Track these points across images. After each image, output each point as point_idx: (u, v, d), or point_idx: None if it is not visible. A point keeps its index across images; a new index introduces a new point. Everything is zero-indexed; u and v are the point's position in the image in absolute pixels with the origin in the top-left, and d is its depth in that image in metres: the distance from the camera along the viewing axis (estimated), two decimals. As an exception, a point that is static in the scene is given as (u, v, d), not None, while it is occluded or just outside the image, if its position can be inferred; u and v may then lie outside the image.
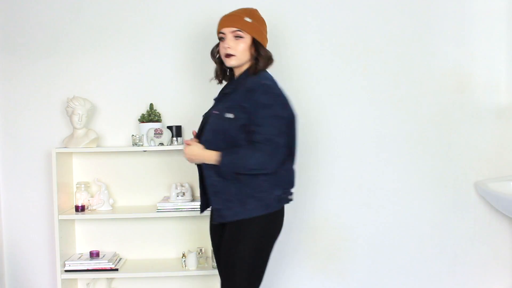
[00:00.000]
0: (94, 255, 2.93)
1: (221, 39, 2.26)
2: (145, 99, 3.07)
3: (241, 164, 2.11)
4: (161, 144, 2.88)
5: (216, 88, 2.46)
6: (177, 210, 2.87)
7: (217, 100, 2.36)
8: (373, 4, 3.05)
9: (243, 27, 2.22)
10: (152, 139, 2.87)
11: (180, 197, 2.91)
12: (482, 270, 3.11)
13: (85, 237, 3.08)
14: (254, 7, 2.99)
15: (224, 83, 2.41)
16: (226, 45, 2.22)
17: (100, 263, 2.87)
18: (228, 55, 2.23)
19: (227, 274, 2.23)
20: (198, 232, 3.02)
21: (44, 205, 3.08)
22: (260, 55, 2.24)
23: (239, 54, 2.22)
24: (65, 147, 2.92)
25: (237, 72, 2.30)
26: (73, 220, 3.04)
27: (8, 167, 3.10)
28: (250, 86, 2.17)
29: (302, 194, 3.07)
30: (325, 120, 3.07)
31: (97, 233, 3.08)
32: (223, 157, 2.13)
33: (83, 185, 2.98)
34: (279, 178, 2.22)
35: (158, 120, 2.98)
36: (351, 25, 3.05)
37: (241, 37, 2.22)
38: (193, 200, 2.94)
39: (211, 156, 2.16)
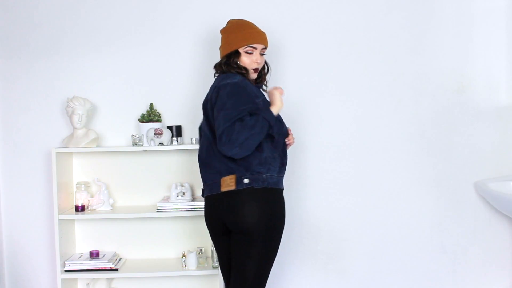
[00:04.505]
0: (94, 255, 2.93)
1: (248, 52, 2.33)
2: (145, 99, 3.07)
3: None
4: (161, 144, 2.88)
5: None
6: (177, 210, 2.87)
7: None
8: (373, 4, 3.05)
9: (267, 46, 2.42)
10: (152, 139, 2.87)
11: (180, 197, 2.91)
12: (482, 270, 3.11)
13: (85, 237, 3.08)
14: (254, 7, 3.02)
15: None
16: (257, 60, 2.35)
17: (100, 263, 2.87)
18: (257, 69, 2.38)
19: None
20: (198, 232, 3.02)
21: (44, 205, 3.08)
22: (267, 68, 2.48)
23: (260, 69, 2.41)
24: (65, 147, 2.92)
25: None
26: (73, 220, 3.04)
27: (8, 167, 3.10)
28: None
29: (302, 194, 3.08)
30: (325, 120, 3.07)
31: (97, 233, 3.08)
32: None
33: (83, 185, 2.98)
34: None
35: (158, 120, 2.98)
36: (351, 25, 3.05)
37: (264, 54, 2.41)
38: (193, 200, 2.94)
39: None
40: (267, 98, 2.36)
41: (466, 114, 3.08)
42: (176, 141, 2.92)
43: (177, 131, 2.96)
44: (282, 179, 2.33)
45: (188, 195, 2.92)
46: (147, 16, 3.06)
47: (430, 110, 3.07)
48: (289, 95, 3.04)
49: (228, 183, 2.22)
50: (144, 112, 3.04)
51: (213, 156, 2.27)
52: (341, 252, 3.10)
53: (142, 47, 3.06)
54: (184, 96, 3.08)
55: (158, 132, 2.86)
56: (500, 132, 3.08)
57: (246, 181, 2.21)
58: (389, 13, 3.05)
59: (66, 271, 2.84)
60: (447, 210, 3.09)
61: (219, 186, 2.24)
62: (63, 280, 2.83)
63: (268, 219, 2.23)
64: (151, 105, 3.02)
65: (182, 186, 2.94)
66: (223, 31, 2.40)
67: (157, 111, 3.01)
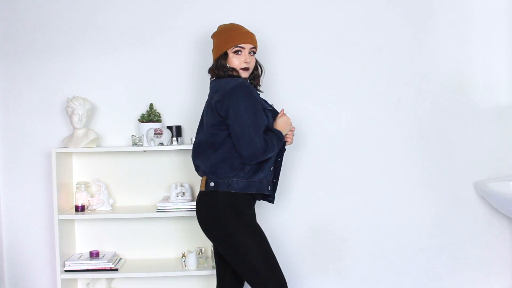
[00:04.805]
0: (94, 255, 2.93)
1: (237, 51, 2.38)
2: (145, 99, 3.07)
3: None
4: (161, 144, 2.88)
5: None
6: (177, 210, 2.88)
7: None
8: (372, 4, 3.05)
9: (257, 45, 2.45)
10: (152, 139, 2.87)
11: (180, 197, 2.91)
12: (482, 270, 3.11)
13: (85, 237, 3.08)
14: (251, 9, 3.03)
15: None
16: (247, 60, 2.39)
17: (100, 263, 2.87)
18: (247, 69, 2.40)
19: None
20: (198, 232, 3.00)
21: (44, 205, 3.08)
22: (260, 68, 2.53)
23: (251, 68, 2.43)
24: (65, 147, 2.92)
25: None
26: (73, 220, 3.04)
27: (8, 167, 3.10)
28: None
29: (302, 194, 3.08)
30: (325, 120, 3.07)
31: (97, 233, 3.08)
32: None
33: (83, 185, 2.98)
34: None
35: (158, 120, 2.98)
36: (351, 25, 3.05)
37: (254, 53, 2.44)
38: (193, 200, 2.94)
39: None
40: (266, 103, 2.45)
41: (466, 114, 3.08)
42: (176, 141, 2.93)
43: (177, 131, 2.96)
44: (259, 184, 2.35)
45: (188, 195, 2.93)
46: (147, 16, 3.06)
47: (430, 110, 3.07)
48: (289, 96, 3.05)
49: (202, 184, 2.37)
50: (144, 112, 3.04)
51: (198, 154, 2.40)
52: (341, 252, 3.10)
53: (142, 47, 3.06)
54: (184, 96, 3.08)
55: (158, 132, 2.86)
56: (500, 132, 3.08)
57: (211, 184, 2.31)
58: (389, 13, 3.05)
59: (66, 271, 2.84)
60: (447, 210, 3.09)
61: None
62: (63, 280, 2.83)
63: (229, 221, 2.28)
64: (151, 105, 3.02)
65: (182, 186, 2.94)
66: (213, 36, 2.47)
67: (157, 111, 3.01)
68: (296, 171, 3.06)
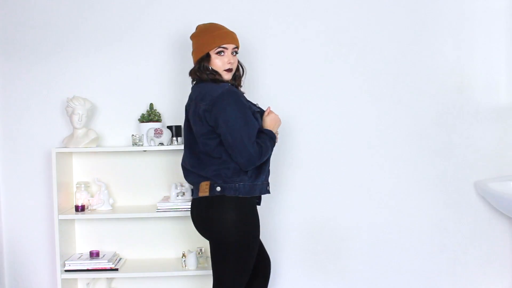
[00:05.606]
0: (94, 255, 2.93)
1: (220, 52, 2.31)
2: (145, 99, 3.07)
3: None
4: (161, 144, 2.88)
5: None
6: (177, 210, 2.88)
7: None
8: (373, 4, 3.05)
9: (239, 45, 2.39)
10: (152, 139, 2.87)
11: (180, 197, 2.91)
12: (482, 270, 3.11)
13: (85, 237, 3.08)
14: (249, 8, 3.02)
15: None
16: (230, 60, 2.32)
17: (100, 263, 2.87)
18: (230, 70, 2.34)
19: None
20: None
21: (44, 205, 3.08)
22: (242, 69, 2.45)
23: (234, 69, 2.37)
24: (65, 147, 2.92)
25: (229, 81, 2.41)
26: (73, 220, 3.04)
27: (8, 167, 3.10)
28: None
29: (302, 194, 3.08)
30: (325, 120, 3.07)
31: (97, 233, 3.08)
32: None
33: (83, 185, 2.98)
34: None
35: (158, 120, 2.98)
36: (351, 25, 3.05)
37: (237, 53, 2.37)
38: (193, 200, 2.94)
39: None
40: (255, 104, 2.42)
41: (466, 114, 3.08)
42: (176, 141, 2.92)
43: (177, 131, 2.96)
44: (261, 186, 2.33)
45: (188, 195, 2.92)
46: (147, 16, 3.06)
47: (430, 110, 3.07)
48: (289, 95, 3.05)
49: (203, 189, 2.28)
50: (144, 112, 3.04)
51: (194, 161, 2.32)
52: (341, 252, 3.10)
53: (142, 47, 3.06)
54: (184, 96, 3.03)
55: (158, 132, 2.86)
56: (500, 132, 3.08)
57: (218, 189, 2.25)
58: (389, 13, 3.05)
59: (66, 271, 2.84)
60: (447, 210, 3.09)
61: (198, 190, 2.32)
62: (63, 280, 2.83)
63: (236, 227, 2.24)
64: (151, 105, 3.02)
65: (182, 186, 2.94)
66: (192, 37, 2.40)
67: (157, 111, 3.01)
68: (296, 171, 3.06)
